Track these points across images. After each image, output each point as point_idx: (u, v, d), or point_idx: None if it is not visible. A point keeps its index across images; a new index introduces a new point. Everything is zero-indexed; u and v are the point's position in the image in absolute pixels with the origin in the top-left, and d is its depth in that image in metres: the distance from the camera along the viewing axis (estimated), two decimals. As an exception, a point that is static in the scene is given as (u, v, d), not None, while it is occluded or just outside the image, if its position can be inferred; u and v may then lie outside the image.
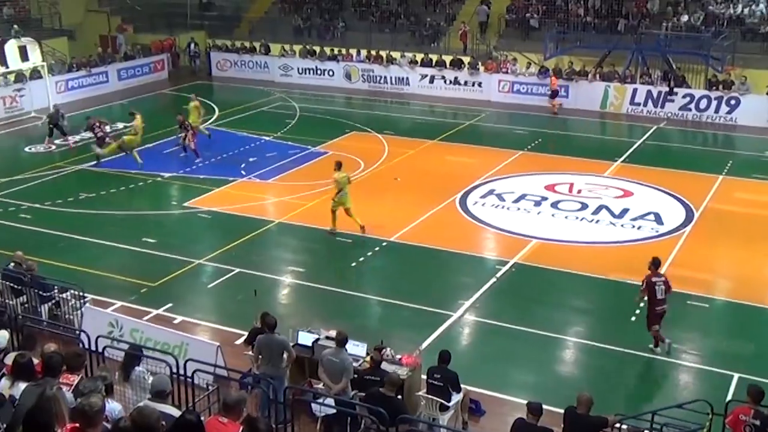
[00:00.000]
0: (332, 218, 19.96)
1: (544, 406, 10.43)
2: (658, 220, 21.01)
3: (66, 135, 28.29)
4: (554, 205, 22.10)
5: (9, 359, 9.00)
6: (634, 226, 20.62)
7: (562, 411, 10.76)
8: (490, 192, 23.10)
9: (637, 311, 16.05)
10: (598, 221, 20.93)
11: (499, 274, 17.91)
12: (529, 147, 27.71)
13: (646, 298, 14.68)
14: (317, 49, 38.71)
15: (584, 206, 21.96)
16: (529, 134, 29.45)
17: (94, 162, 25.75)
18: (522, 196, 22.67)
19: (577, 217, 21.22)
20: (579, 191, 23.21)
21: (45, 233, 20.39)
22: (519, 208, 21.84)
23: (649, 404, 12.60)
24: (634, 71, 33.62)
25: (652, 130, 30.19)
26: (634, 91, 32.59)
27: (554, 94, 33.04)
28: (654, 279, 14.47)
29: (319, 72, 38.25)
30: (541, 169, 25.09)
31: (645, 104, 32.33)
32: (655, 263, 14.68)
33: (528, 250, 19.26)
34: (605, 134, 31.44)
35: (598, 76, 33.45)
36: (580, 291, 17.64)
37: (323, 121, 31.65)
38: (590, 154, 26.87)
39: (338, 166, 20.04)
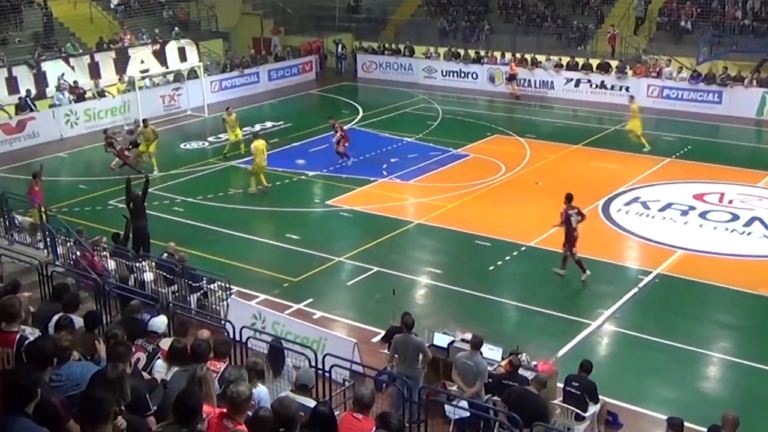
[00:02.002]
0: (258, 180, 23.49)
1: (686, 424, 10.07)
2: (817, 235, 19.88)
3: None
4: (703, 215, 21.26)
5: (164, 344, 9.52)
6: (789, 241, 19.61)
7: (704, 430, 10.37)
8: (635, 199, 22.47)
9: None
10: (750, 233, 19.98)
11: (641, 285, 17.41)
12: (677, 154, 26.73)
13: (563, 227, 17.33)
14: (461, 51, 38.70)
15: (735, 217, 21.01)
16: (678, 141, 28.42)
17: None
18: (668, 205, 21.93)
19: (727, 229, 20.34)
20: (730, 201, 22.22)
21: (196, 226, 21.37)
22: (665, 218, 21.14)
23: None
24: (795, 77, 31.87)
25: (813, 140, 28.61)
26: (795, 98, 30.91)
27: (512, 78, 35.43)
28: (570, 211, 17.28)
29: (462, 75, 38.23)
30: (690, 178, 24.17)
31: (806, 112, 30.66)
32: (568, 197, 17.51)
33: (673, 260, 18.62)
34: (761, 143, 29.89)
35: (755, 81, 31.87)
36: (728, 305, 16.89)
37: (465, 123, 31.64)
38: (744, 163, 25.63)
39: (256, 136, 24.67)
